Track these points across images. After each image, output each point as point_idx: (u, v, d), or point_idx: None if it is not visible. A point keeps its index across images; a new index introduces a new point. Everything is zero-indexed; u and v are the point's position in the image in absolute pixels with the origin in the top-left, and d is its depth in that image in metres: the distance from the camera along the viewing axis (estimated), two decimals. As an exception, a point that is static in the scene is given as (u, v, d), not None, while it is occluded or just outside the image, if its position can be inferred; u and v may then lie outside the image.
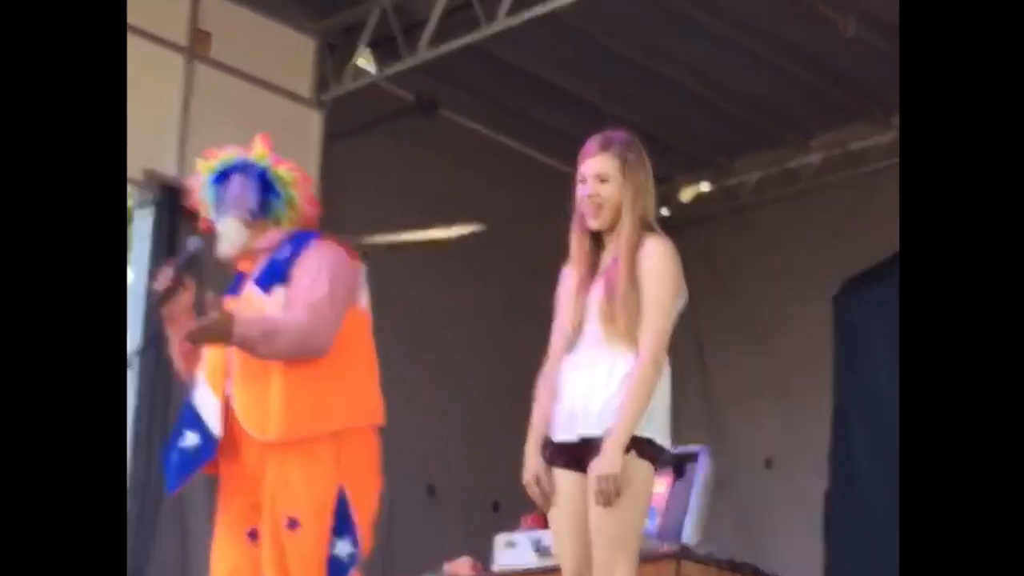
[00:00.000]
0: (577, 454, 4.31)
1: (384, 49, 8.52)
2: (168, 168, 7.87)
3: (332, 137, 8.46)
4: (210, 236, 4.55)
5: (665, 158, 8.51)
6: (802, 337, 8.97)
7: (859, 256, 8.39)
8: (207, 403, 4.36)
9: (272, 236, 4.49)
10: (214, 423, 4.34)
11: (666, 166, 8.91)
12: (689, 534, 5.73)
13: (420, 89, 8.86)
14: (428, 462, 8.74)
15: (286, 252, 4.42)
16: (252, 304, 4.36)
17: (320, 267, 4.38)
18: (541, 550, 5.86)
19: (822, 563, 7.78)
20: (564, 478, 4.38)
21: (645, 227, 4.39)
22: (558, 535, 4.44)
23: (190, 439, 4.36)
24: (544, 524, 5.74)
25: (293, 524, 4.27)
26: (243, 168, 4.57)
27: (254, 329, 4.25)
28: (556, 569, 4.55)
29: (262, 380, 4.31)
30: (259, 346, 4.24)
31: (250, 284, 4.42)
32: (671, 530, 5.77)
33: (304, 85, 8.44)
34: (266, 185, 4.55)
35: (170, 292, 4.40)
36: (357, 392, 4.43)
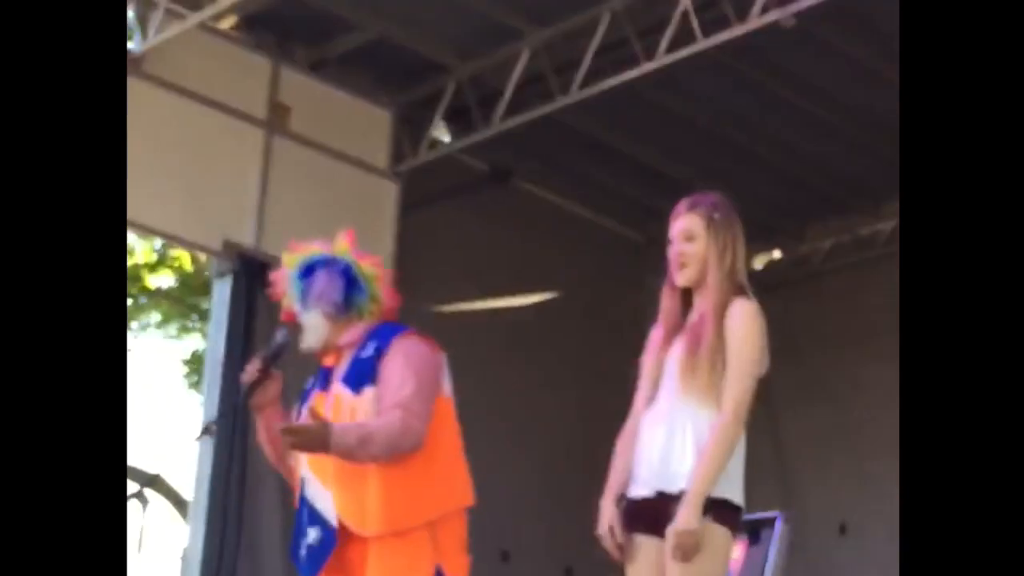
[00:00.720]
0: (654, 512, 4.33)
1: (459, 121, 8.63)
2: (247, 239, 7.98)
3: (408, 208, 8.55)
4: (294, 327, 4.64)
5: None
6: (875, 401, 8.95)
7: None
8: (320, 496, 4.48)
9: (355, 331, 4.59)
10: (330, 515, 4.46)
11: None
12: (764, 600, 5.74)
13: (494, 159, 8.97)
14: (502, 527, 8.77)
15: (371, 350, 4.52)
16: (343, 404, 4.47)
17: (406, 364, 4.48)
18: (617, 617, 5.87)
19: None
20: (643, 543, 4.40)
21: (735, 286, 4.42)
22: (639, 601, 4.46)
23: (313, 536, 4.48)
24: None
25: None
26: (328, 263, 4.66)
27: (350, 437, 4.35)
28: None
29: (359, 475, 4.42)
30: (356, 452, 4.35)
31: (338, 383, 4.52)
32: (746, 596, 5.79)
33: (380, 157, 8.54)
34: (350, 280, 4.63)
35: (258, 383, 4.52)
36: (448, 478, 4.53)
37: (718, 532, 4.26)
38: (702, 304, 4.42)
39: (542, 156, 9.04)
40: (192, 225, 7.80)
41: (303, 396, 4.63)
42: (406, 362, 4.49)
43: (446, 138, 8.84)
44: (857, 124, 8.46)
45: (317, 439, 4.31)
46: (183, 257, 13.63)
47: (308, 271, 4.65)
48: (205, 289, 12.39)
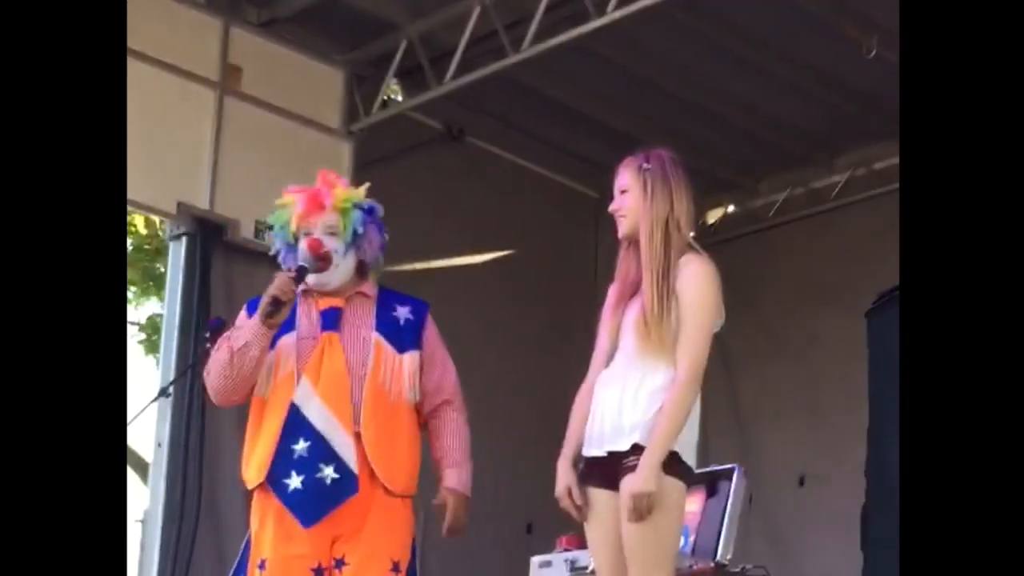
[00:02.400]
0: (607, 470, 4.36)
1: (412, 79, 8.61)
2: (200, 201, 7.95)
3: (361, 167, 8.53)
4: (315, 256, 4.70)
5: (691, 181, 8.56)
6: (831, 354, 9.00)
7: (885, 274, 8.40)
8: (342, 441, 4.54)
9: (369, 286, 4.77)
10: (352, 462, 4.53)
11: (692, 189, 8.96)
12: (723, 552, 5.77)
13: (448, 118, 8.96)
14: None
15: (407, 313, 4.73)
16: (385, 355, 4.65)
17: (442, 345, 4.86)
18: (576, 570, 5.91)
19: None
20: (598, 497, 4.43)
21: (677, 238, 4.43)
22: (595, 553, 4.49)
23: (327, 472, 4.52)
24: (579, 545, 5.80)
25: (397, 568, 4.57)
26: (375, 216, 4.82)
27: (468, 473, 4.89)
28: (591, 588, 4.62)
29: (394, 434, 4.63)
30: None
31: (373, 333, 4.66)
32: (705, 548, 5.82)
33: (333, 116, 8.51)
34: (384, 245, 4.84)
35: (287, 302, 4.58)
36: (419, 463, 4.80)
37: (671, 485, 4.29)
38: (642, 259, 4.43)
39: (495, 114, 9.03)
40: (145, 188, 7.75)
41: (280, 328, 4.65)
42: (442, 342, 4.83)
43: (399, 97, 8.83)
44: (810, 78, 8.48)
45: (464, 509, 4.80)
46: (137, 221, 13.55)
47: (370, 212, 4.78)
48: (160, 253, 12.32)
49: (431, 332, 4.80)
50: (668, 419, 4.28)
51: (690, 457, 4.37)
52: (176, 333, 7.81)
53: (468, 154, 9.17)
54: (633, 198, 4.48)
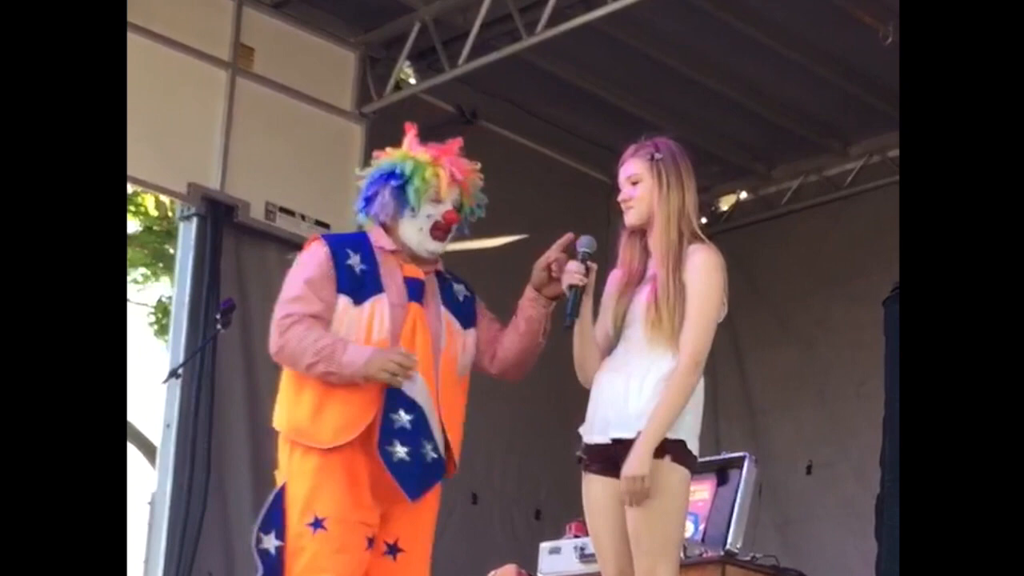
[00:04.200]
0: (610, 457, 4.35)
1: (425, 62, 8.59)
2: (211, 181, 7.94)
3: (373, 150, 8.49)
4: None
5: (704, 167, 8.51)
6: (842, 342, 8.98)
7: (897, 262, 8.40)
8: (436, 423, 4.56)
9: (440, 262, 4.77)
10: (442, 444, 4.57)
11: (705, 175, 8.93)
12: (732, 540, 5.76)
13: (461, 101, 8.93)
14: (472, 471, 8.78)
15: (464, 291, 4.76)
16: (455, 332, 4.66)
17: None
18: (585, 557, 5.89)
19: (872, 566, 7.75)
20: (600, 484, 4.41)
21: (688, 229, 4.43)
22: (598, 541, 4.47)
23: (428, 450, 4.53)
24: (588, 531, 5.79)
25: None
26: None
27: None
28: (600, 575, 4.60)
29: (458, 412, 4.68)
30: None
31: (444, 309, 4.67)
32: (715, 537, 5.80)
33: (346, 98, 8.49)
34: None
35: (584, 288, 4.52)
36: None
37: (676, 472, 4.28)
38: (655, 248, 4.43)
39: (509, 97, 9.00)
40: (156, 168, 7.75)
41: (361, 275, 4.59)
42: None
43: (412, 79, 8.80)
44: (825, 64, 8.44)
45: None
46: (147, 202, 13.55)
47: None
48: (171, 235, 12.31)
49: (481, 308, 4.80)
50: (666, 405, 4.27)
51: (694, 444, 4.36)
52: (186, 314, 7.81)
53: (481, 137, 9.12)
54: (645, 189, 4.46)
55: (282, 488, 4.56)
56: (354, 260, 4.58)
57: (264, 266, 8.14)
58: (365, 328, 4.53)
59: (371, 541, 4.49)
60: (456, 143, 4.85)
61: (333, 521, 4.44)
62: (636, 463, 4.22)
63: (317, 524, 4.44)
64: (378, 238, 4.67)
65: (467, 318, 4.70)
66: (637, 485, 4.21)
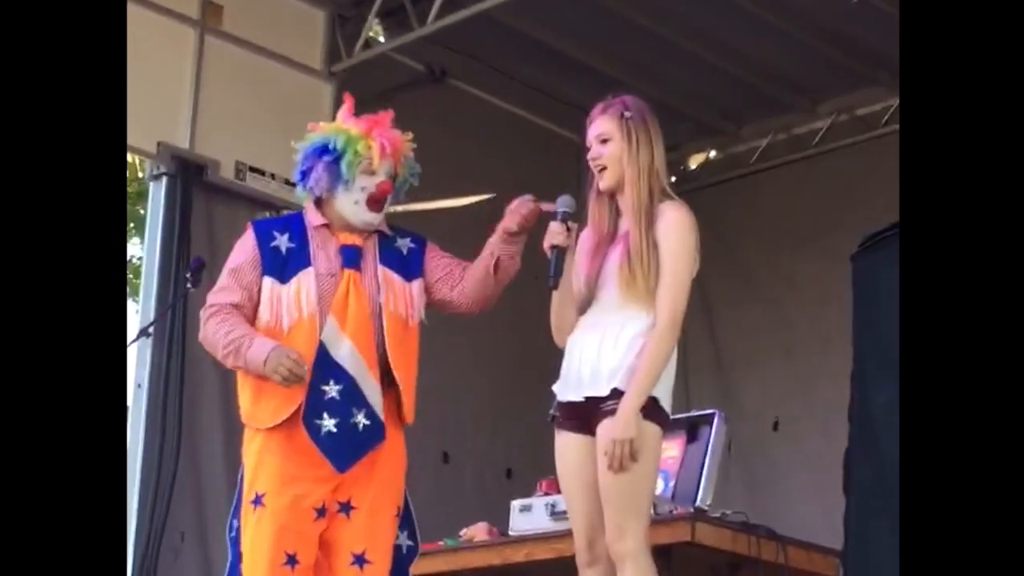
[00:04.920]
0: (584, 415, 4.37)
1: (394, 19, 8.55)
2: (181, 140, 7.91)
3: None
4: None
5: (673, 126, 8.53)
6: (809, 300, 9.02)
7: (866, 220, 8.40)
8: (371, 387, 4.60)
9: (383, 224, 4.85)
10: (379, 409, 4.60)
11: (674, 134, 8.94)
12: (703, 497, 5.79)
13: (430, 59, 8.91)
14: (443, 430, 8.81)
15: (409, 244, 4.82)
16: (394, 285, 4.72)
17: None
18: (556, 514, 5.92)
19: (837, 520, 7.80)
20: (572, 442, 4.44)
21: (657, 187, 4.45)
22: (569, 499, 4.50)
23: (359, 418, 4.59)
24: (559, 489, 5.81)
25: (398, 514, 4.67)
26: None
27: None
28: (571, 533, 4.63)
29: (411, 361, 4.71)
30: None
31: (381, 266, 4.73)
32: (685, 493, 5.83)
33: (315, 57, 8.46)
34: None
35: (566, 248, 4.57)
36: None
37: (649, 429, 4.31)
38: (626, 208, 4.45)
39: (478, 55, 8.98)
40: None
41: (287, 254, 4.72)
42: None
43: (381, 38, 8.77)
44: (795, 23, 8.44)
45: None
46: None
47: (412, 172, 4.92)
48: (141, 196, 12.25)
49: (432, 252, 4.88)
50: (648, 365, 4.30)
51: (667, 402, 4.39)
52: (156, 273, 7.79)
53: (451, 96, 9.12)
54: (616, 147, 4.48)
55: (241, 473, 4.72)
56: (280, 240, 4.72)
57: (234, 226, 8.09)
58: (295, 303, 4.64)
59: (320, 511, 4.56)
60: (388, 115, 4.94)
61: (270, 496, 4.56)
62: (622, 425, 4.24)
63: (257, 501, 4.59)
64: (310, 214, 4.80)
65: (412, 268, 4.79)
66: (623, 448, 4.23)
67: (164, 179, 7.89)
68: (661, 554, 4.57)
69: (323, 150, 4.79)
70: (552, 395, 4.59)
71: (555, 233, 4.49)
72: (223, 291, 4.74)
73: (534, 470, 6.93)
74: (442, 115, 8.99)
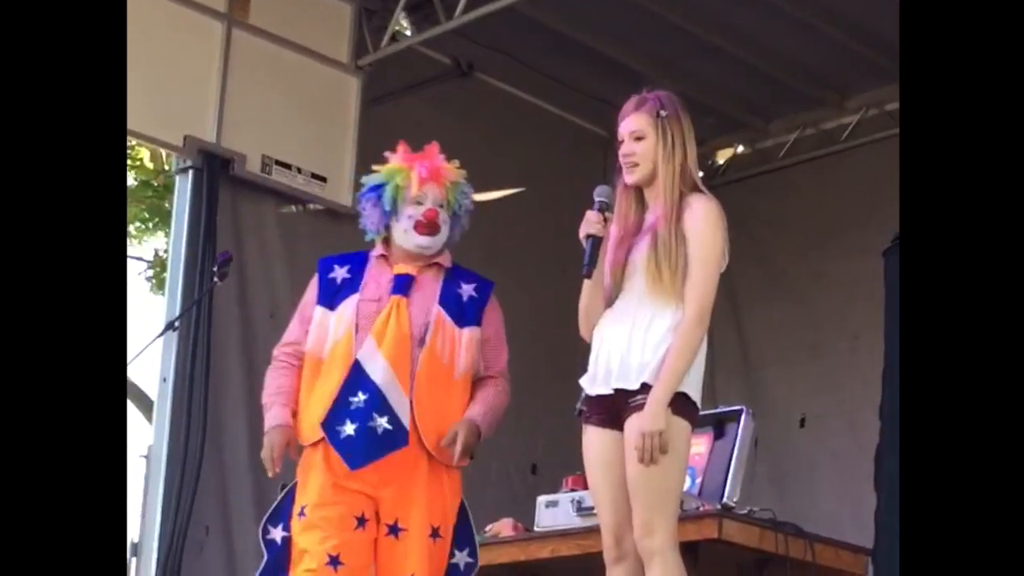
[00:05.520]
0: (612, 409, 4.35)
1: (421, 13, 8.54)
2: (207, 134, 7.90)
3: (369, 102, 8.48)
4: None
5: (700, 121, 8.47)
6: (837, 296, 8.97)
7: (896, 216, 8.34)
8: (398, 398, 4.78)
9: (447, 256, 5.07)
10: (405, 417, 4.77)
11: (700, 128, 8.84)
12: (729, 494, 5.76)
13: (457, 53, 8.88)
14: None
15: (471, 291, 4.97)
16: (445, 328, 4.90)
17: (502, 326, 5.11)
18: (582, 510, 5.90)
19: (864, 518, 7.76)
20: (600, 436, 4.42)
21: (688, 183, 4.43)
22: (597, 493, 4.48)
23: (379, 423, 4.76)
24: (585, 485, 5.79)
25: (436, 534, 4.80)
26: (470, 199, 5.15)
27: (488, 425, 4.96)
28: (597, 529, 4.61)
29: (445, 403, 4.85)
30: (489, 431, 4.98)
31: (435, 304, 4.90)
32: (712, 490, 5.81)
33: (342, 50, 8.44)
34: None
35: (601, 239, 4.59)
36: None
37: (678, 424, 4.29)
38: (656, 203, 4.42)
39: (505, 49, 8.95)
40: (151, 121, 7.70)
41: (341, 283, 4.96)
42: (501, 324, 5.05)
43: (408, 31, 8.76)
44: (823, 17, 8.40)
45: (474, 442, 4.89)
46: (143, 155, 13.51)
47: (468, 198, 5.11)
48: (167, 190, 12.28)
49: (492, 311, 5.02)
50: (676, 358, 4.28)
51: (696, 396, 4.36)
52: (182, 267, 7.79)
53: (477, 90, 9.09)
54: (650, 146, 4.46)
55: (293, 485, 4.94)
56: (339, 272, 5.02)
57: (260, 219, 8.12)
58: (335, 324, 4.92)
59: (360, 520, 4.77)
60: (433, 147, 5.12)
61: (311, 507, 4.82)
62: (651, 418, 4.23)
63: (301, 513, 4.85)
64: (376, 248, 5.07)
65: (467, 316, 4.94)
66: (652, 441, 4.21)
67: (190, 173, 7.89)
68: (688, 551, 4.55)
69: (371, 190, 5.04)
70: (577, 390, 4.56)
71: (591, 222, 4.48)
72: (287, 334, 5.08)
73: (559, 466, 6.91)
74: (468, 108, 8.98)
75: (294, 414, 4.96)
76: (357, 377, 4.79)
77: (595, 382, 4.44)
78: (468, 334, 4.91)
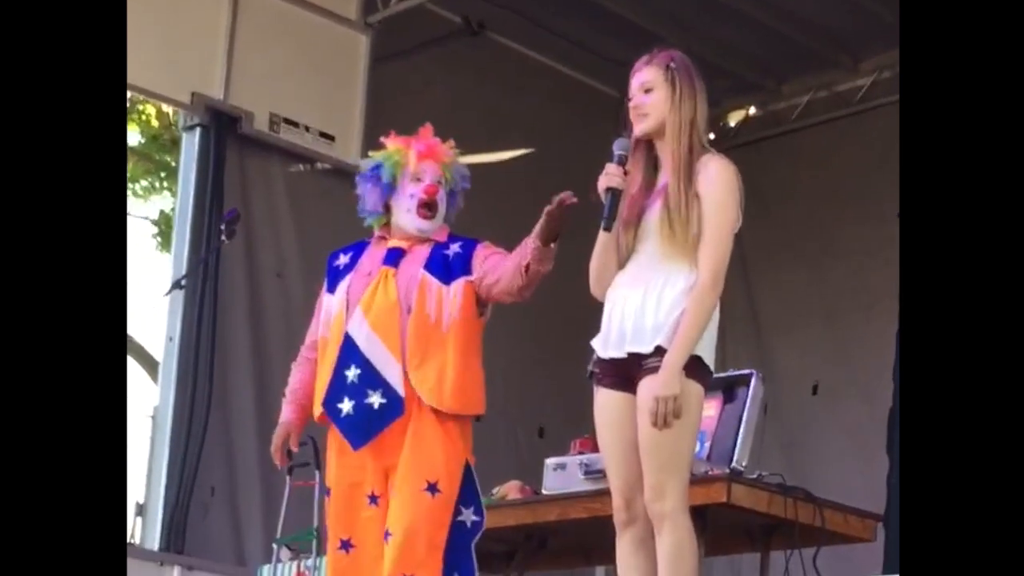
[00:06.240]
0: (625, 372, 4.30)
1: (431, -30, 8.49)
2: (215, 91, 7.86)
3: (378, 60, 8.43)
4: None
5: (712, 82, 8.40)
6: (849, 261, 8.92)
7: (909, 180, 8.32)
8: (389, 366, 4.80)
9: (444, 231, 5.03)
10: (398, 384, 4.78)
11: (713, 90, 8.78)
12: (738, 458, 5.72)
13: (467, 11, 8.82)
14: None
15: (457, 249, 4.95)
16: (430, 288, 4.88)
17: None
18: (590, 473, 5.86)
19: (875, 486, 7.73)
20: (612, 398, 4.37)
21: (697, 141, 4.37)
22: (608, 456, 4.43)
23: (374, 398, 4.79)
24: (593, 448, 5.74)
25: (433, 489, 4.74)
26: (467, 179, 5.13)
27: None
28: (605, 492, 4.56)
29: (438, 354, 4.83)
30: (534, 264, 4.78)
31: (421, 269, 4.90)
32: (721, 453, 5.76)
33: (351, 7, 8.39)
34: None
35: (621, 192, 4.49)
36: (482, 383, 5.02)
37: (691, 388, 4.25)
38: (666, 160, 4.38)
39: (516, 8, 8.88)
40: (159, 77, 7.68)
41: (342, 268, 4.99)
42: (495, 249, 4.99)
43: (418, -11, 8.70)
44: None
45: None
46: (150, 111, 13.46)
47: (463, 176, 5.09)
48: (174, 145, 12.24)
49: (480, 250, 4.98)
50: (691, 321, 4.23)
51: (710, 360, 4.32)
52: (189, 224, 7.77)
53: (487, 49, 9.03)
54: (660, 98, 4.41)
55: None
56: (342, 260, 5.05)
57: (268, 178, 8.09)
58: (333, 305, 4.97)
59: (372, 498, 4.82)
60: (427, 129, 5.10)
61: (332, 488, 4.91)
62: (665, 383, 4.18)
63: (327, 492, 4.95)
64: (375, 231, 5.09)
65: (453, 271, 4.92)
66: (666, 405, 4.17)
67: (197, 130, 7.87)
68: (696, 515, 4.49)
69: (371, 170, 5.05)
70: (587, 352, 4.51)
71: (611, 174, 4.40)
72: (308, 334, 5.13)
73: (567, 429, 6.87)
74: (479, 68, 8.92)
75: (302, 408, 5.04)
76: (349, 350, 4.83)
77: (608, 345, 4.39)
78: (455, 287, 4.91)
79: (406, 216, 4.97)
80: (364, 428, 4.79)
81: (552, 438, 8.42)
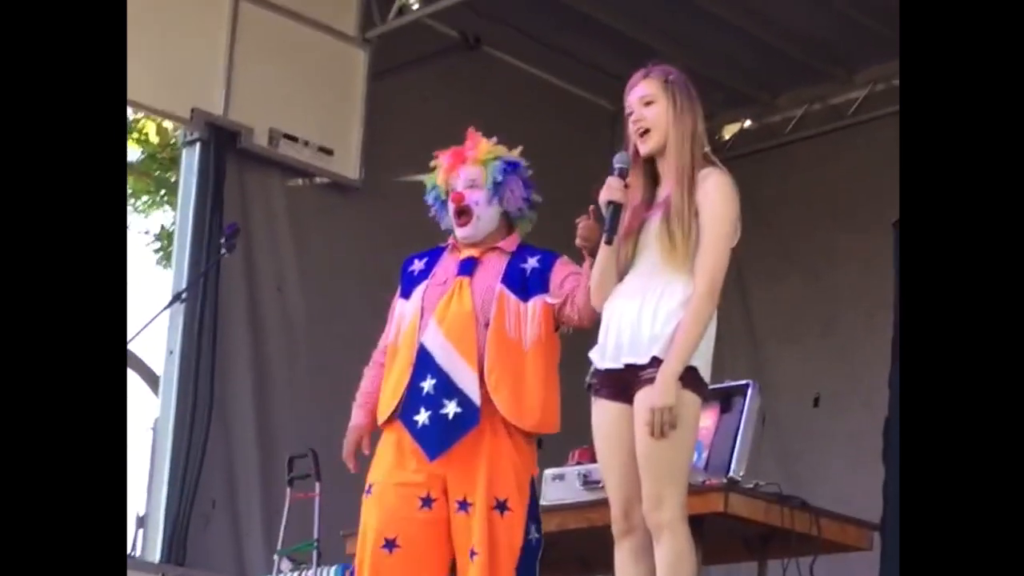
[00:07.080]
0: (622, 383, 4.34)
1: (428, -14, 8.53)
2: (215, 107, 7.90)
3: (377, 75, 8.47)
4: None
5: (708, 95, 8.44)
6: (847, 272, 8.95)
7: (902, 191, 8.35)
8: (465, 376, 4.82)
9: (514, 239, 5.04)
10: (474, 395, 4.79)
11: (709, 103, 8.82)
12: (736, 468, 5.75)
13: (464, 26, 8.86)
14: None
15: (535, 263, 4.94)
16: (508, 304, 4.90)
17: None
18: (588, 484, 5.88)
19: (874, 498, 7.74)
20: (609, 410, 4.40)
21: (699, 152, 4.41)
22: (606, 467, 4.47)
23: (450, 408, 4.80)
24: (592, 458, 5.77)
25: (502, 507, 4.79)
26: (519, 168, 5.11)
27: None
28: (604, 502, 4.59)
29: (518, 371, 4.84)
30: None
31: (498, 283, 4.91)
32: (718, 464, 5.79)
33: (349, 23, 8.43)
34: (530, 193, 5.12)
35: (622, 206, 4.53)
36: (556, 402, 5.00)
37: (688, 399, 4.28)
38: (668, 173, 4.41)
39: (512, 22, 8.93)
40: (159, 93, 7.71)
41: (417, 274, 5.03)
42: (574, 267, 4.94)
43: (415, 4, 8.73)
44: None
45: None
46: (149, 129, 13.50)
47: (511, 167, 5.07)
48: (174, 162, 12.28)
49: (558, 268, 4.96)
50: (687, 332, 4.26)
51: (706, 371, 4.35)
52: (189, 239, 7.80)
53: (484, 63, 9.08)
54: (660, 109, 4.44)
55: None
56: (416, 265, 5.08)
57: (267, 193, 8.13)
58: (408, 313, 4.99)
59: (426, 500, 4.82)
60: (469, 134, 5.23)
61: (377, 485, 4.90)
62: (662, 393, 4.22)
63: (368, 490, 4.93)
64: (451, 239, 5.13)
65: (531, 288, 4.92)
66: (662, 416, 4.20)
67: (197, 145, 7.90)
68: (693, 524, 4.52)
69: (429, 199, 5.16)
70: (585, 363, 4.55)
71: (613, 188, 4.45)
72: (382, 338, 5.14)
73: (565, 440, 6.90)
74: (475, 82, 8.96)
75: (373, 412, 5.04)
76: (424, 361, 4.86)
77: (605, 356, 4.43)
78: (533, 305, 4.92)
79: (455, 228, 5.04)
80: (440, 438, 4.80)
81: (551, 449, 8.44)
